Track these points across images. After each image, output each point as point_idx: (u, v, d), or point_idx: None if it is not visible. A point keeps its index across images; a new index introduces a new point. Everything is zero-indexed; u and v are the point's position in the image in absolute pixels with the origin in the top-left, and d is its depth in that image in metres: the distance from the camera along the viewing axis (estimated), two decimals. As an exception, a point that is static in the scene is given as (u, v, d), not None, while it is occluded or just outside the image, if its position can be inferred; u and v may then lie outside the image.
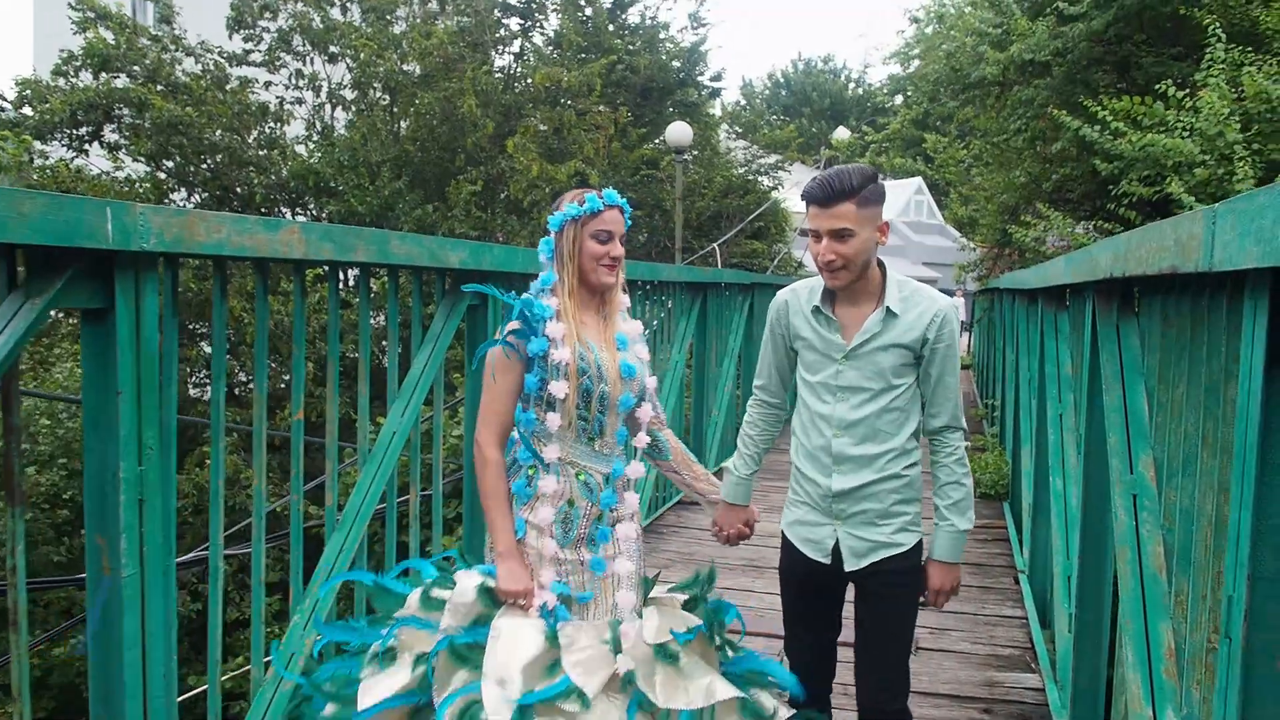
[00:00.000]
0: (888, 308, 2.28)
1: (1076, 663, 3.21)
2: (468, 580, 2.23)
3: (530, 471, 2.26)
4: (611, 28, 18.09)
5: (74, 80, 13.29)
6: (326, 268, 2.96)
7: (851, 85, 39.35)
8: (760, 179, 19.11)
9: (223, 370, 2.53)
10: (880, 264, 2.34)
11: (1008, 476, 7.10)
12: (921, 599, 2.43)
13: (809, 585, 2.45)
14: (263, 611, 2.71)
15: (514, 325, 2.24)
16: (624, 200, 2.32)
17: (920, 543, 2.39)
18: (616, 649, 2.14)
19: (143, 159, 13.35)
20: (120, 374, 2.06)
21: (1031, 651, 4.07)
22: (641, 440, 2.40)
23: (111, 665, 2.13)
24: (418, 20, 15.41)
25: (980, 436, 9.34)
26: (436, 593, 2.26)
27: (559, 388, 2.21)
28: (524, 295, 2.30)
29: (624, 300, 2.38)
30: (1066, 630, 3.48)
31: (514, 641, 2.10)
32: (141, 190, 13.07)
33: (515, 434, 2.32)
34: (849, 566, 2.36)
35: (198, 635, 7.75)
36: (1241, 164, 5.77)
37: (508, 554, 2.21)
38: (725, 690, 2.16)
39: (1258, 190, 1.40)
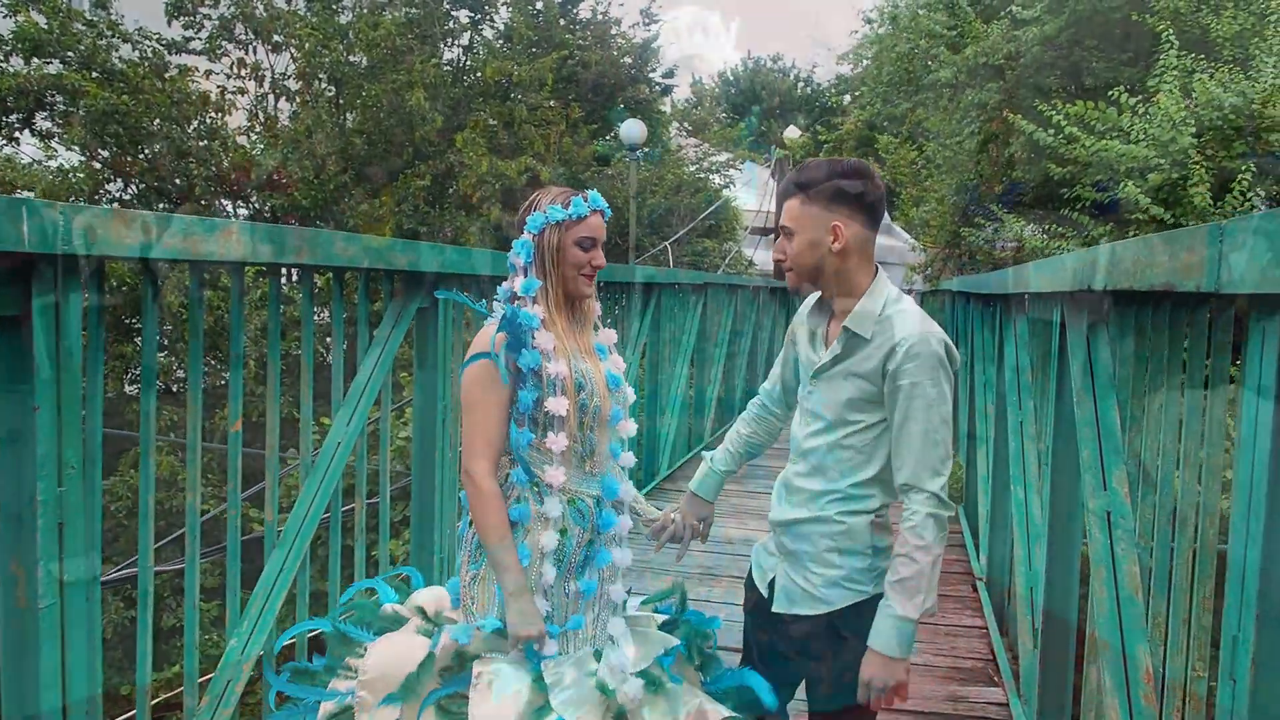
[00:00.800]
0: (846, 327, 2.00)
1: (1043, 679, 3.15)
2: (444, 644, 2.03)
3: (518, 498, 2.06)
4: (563, 22, 17.93)
5: (3, 65, 12.76)
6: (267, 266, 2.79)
7: (800, 85, 39.50)
8: (711, 177, 19.09)
9: (153, 380, 2.36)
10: (877, 273, 2.07)
11: (962, 481, 7.08)
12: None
13: (761, 619, 2.23)
14: (196, 641, 2.55)
15: (502, 337, 2.01)
16: (606, 204, 2.15)
17: (863, 607, 2.04)
18: (602, 687, 2.00)
19: (77, 148, 12.89)
20: (38, 388, 1.89)
21: (993, 663, 4.03)
22: (628, 459, 2.20)
23: (28, 705, 1.95)
24: (364, 10, 15.07)
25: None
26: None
27: (558, 404, 2.01)
28: (495, 301, 2.11)
29: (596, 307, 2.21)
30: (1031, 645, 3.42)
31: (501, 688, 1.94)
32: (75, 180, 12.61)
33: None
34: (775, 606, 2.14)
35: (133, 643, 7.47)
36: (1195, 168, 5.81)
37: (519, 593, 2.00)
38: (716, 712, 2.05)
39: (1276, 211, 1.31)
